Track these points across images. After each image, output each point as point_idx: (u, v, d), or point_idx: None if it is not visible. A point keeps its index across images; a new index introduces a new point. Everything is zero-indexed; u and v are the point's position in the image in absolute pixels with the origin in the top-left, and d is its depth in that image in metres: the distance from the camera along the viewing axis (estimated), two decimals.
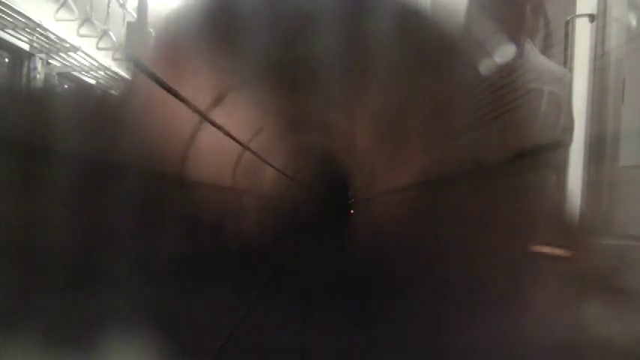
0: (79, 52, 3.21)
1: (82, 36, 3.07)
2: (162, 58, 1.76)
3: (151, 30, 2.31)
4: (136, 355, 1.29)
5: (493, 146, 1.50)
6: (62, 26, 3.01)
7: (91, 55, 3.29)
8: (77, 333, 1.30)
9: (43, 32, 2.94)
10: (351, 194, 6.16)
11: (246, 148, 3.15)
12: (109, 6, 3.14)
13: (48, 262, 1.33)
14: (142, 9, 2.40)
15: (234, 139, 2.66)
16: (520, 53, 1.42)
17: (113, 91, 3.48)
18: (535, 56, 1.47)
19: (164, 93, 1.62)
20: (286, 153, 4.59)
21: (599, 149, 1.60)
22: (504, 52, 1.38)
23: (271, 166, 4.20)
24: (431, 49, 1.53)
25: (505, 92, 1.40)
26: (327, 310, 2.11)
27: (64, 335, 1.28)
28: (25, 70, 3.03)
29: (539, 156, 1.49)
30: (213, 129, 2.28)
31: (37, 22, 2.88)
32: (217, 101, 2.16)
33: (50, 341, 1.24)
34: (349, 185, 5.92)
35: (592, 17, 1.61)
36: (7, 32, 2.83)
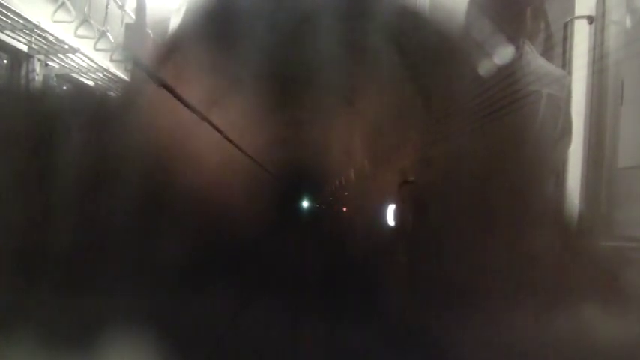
0: (77, 54, 3.20)
1: (79, 37, 3.06)
2: (160, 59, 1.76)
3: (150, 31, 2.31)
4: (131, 355, 1.28)
5: (491, 148, 1.50)
6: (61, 28, 3.00)
7: (89, 57, 3.28)
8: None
9: (41, 33, 2.94)
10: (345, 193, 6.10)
11: (241, 150, 3.13)
12: (107, 7, 3.13)
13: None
14: (140, 10, 2.40)
15: (230, 141, 2.65)
16: (519, 55, 1.42)
17: (112, 93, 3.47)
18: (534, 58, 1.47)
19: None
20: (279, 153, 4.57)
21: (597, 151, 1.60)
22: (503, 54, 1.38)
23: (263, 167, 4.18)
24: (429, 50, 1.52)
25: (504, 94, 1.40)
26: (319, 308, 2.09)
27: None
28: (23, 71, 3.02)
29: (538, 158, 1.49)
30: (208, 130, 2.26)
31: (36, 23, 2.88)
32: (214, 103, 2.14)
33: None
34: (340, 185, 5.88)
35: (591, 19, 1.62)
36: (5, 33, 2.82)
